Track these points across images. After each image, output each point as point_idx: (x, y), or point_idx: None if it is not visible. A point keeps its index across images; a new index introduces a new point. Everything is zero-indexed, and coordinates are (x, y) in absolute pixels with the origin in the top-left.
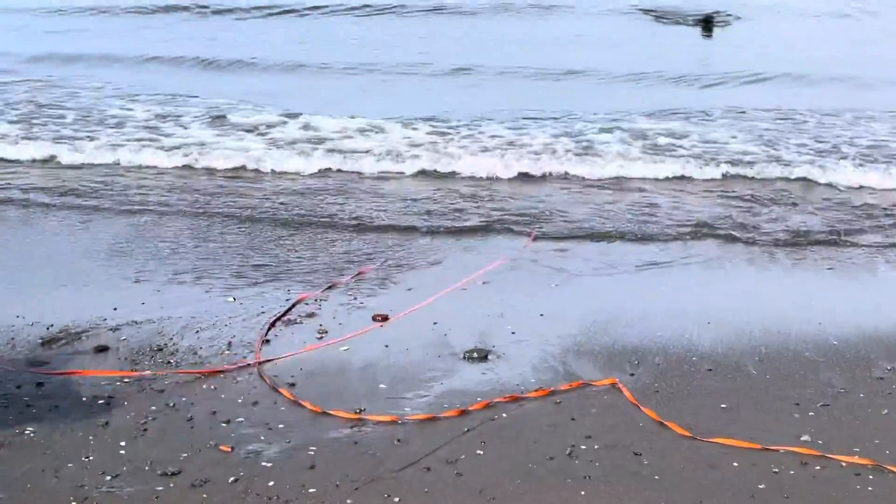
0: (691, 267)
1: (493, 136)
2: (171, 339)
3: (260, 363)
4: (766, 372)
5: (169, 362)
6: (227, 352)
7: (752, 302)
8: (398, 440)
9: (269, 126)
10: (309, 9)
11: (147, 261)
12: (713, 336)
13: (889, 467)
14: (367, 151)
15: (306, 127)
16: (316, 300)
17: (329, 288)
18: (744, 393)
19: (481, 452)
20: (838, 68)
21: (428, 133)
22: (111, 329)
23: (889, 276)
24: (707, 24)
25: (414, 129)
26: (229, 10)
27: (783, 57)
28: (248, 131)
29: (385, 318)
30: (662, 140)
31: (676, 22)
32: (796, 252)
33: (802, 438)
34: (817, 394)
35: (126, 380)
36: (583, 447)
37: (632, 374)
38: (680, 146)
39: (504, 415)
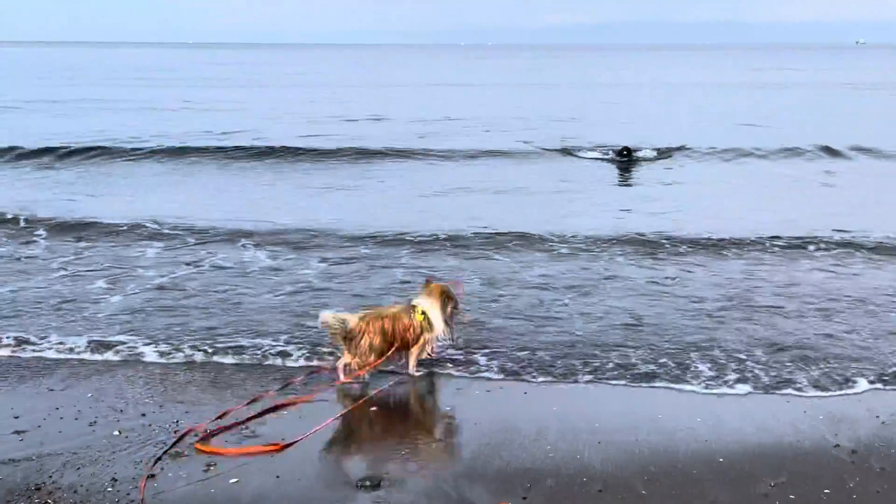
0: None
1: None
2: (51, 476)
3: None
4: (654, 492)
5: (46, 503)
6: (109, 489)
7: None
8: None
9: None
10: None
11: (26, 393)
12: (603, 456)
13: None
14: None
15: None
16: (206, 430)
17: (219, 417)
18: None
19: None
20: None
21: None
22: None
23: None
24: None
25: None
26: None
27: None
28: None
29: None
30: None
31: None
32: None
33: None
34: None
35: None
36: None
37: (524, 498)
38: None
39: None
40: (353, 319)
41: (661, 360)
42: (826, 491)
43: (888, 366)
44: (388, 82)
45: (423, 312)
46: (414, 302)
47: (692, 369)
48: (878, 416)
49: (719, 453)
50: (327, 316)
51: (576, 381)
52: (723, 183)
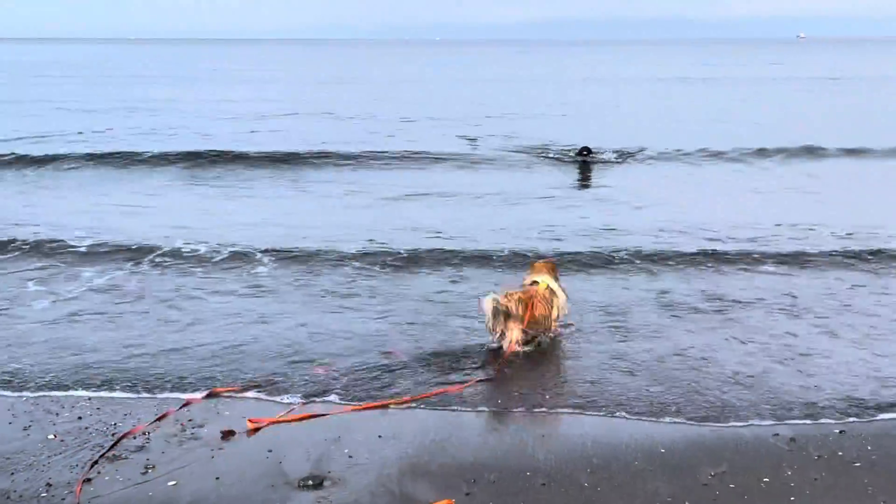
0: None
1: None
2: None
3: None
4: (597, 484)
5: None
6: (44, 494)
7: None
8: None
9: None
10: None
11: None
12: (547, 449)
13: None
14: None
15: None
16: (144, 433)
17: (159, 419)
18: None
19: None
20: None
21: None
22: None
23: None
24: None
25: None
26: None
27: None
28: None
29: (231, 433)
30: None
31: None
32: None
33: None
34: (646, 503)
35: None
36: None
37: (468, 494)
38: None
39: None
40: (504, 300)
41: None
42: (765, 479)
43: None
44: (327, 79)
45: (547, 285)
46: (532, 278)
47: None
48: (815, 402)
49: (661, 444)
50: (488, 302)
51: None
52: (682, 188)
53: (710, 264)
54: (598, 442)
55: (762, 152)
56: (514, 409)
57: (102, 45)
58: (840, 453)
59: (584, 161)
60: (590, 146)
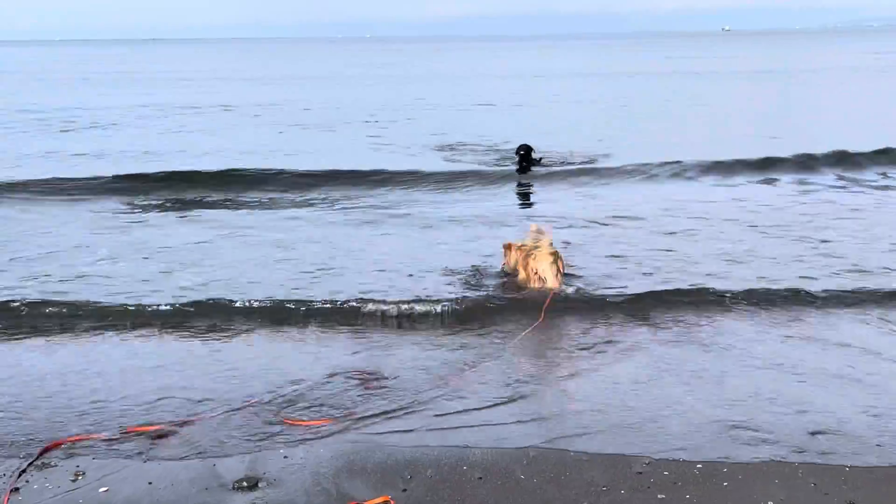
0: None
1: None
2: None
3: None
4: (533, 475)
5: None
6: None
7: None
8: None
9: None
10: None
11: None
12: (483, 444)
13: None
14: None
15: None
16: (73, 443)
17: (96, 435)
18: (513, 500)
19: None
20: None
21: None
22: None
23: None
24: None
25: None
26: None
27: None
28: None
29: (164, 435)
30: None
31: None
32: None
33: None
34: (582, 493)
35: None
36: None
37: (404, 490)
38: None
39: None
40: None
41: None
42: (699, 466)
43: None
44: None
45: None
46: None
47: None
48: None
49: (596, 437)
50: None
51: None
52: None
53: None
54: (532, 436)
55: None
56: (450, 404)
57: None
58: None
59: (522, 165)
60: (528, 144)
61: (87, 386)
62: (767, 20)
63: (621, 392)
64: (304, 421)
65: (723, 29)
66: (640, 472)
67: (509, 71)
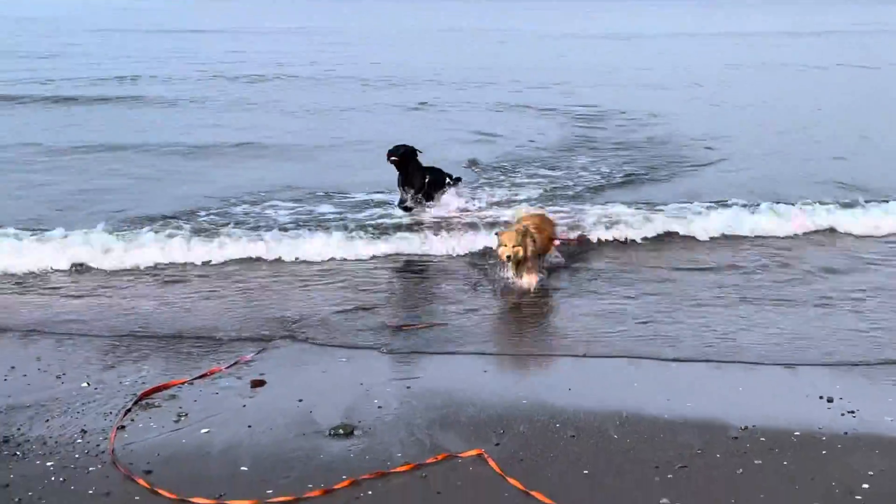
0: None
1: None
2: (19, 429)
3: None
4: (626, 436)
5: (15, 454)
6: (79, 441)
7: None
8: None
9: None
10: None
11: None
12: (575, 403)
13: None
14: None
15: None
16: (180, 386)
17: (202, 377)
18: (605, 458)
19: None
20: None
21: None
22: None
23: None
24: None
25: None
26: None
27: None
28: None
29: (262, 383)
30: None
31: None
32: None
33: (662, 501)
34: (675, 456)
35: None
36: None
37: (497, 444)
38: None
39: (370, 492)
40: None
41: None
42: (796, 433)
43: None
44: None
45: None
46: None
47: None
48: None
49: (689, 399)
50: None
51: None
52: None
53: None
54: (626, 397)
55: None
56: (545, 360)
57: None
58: None
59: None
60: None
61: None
62: None
63: (720, 355)
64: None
65: None
66: (736, 438)
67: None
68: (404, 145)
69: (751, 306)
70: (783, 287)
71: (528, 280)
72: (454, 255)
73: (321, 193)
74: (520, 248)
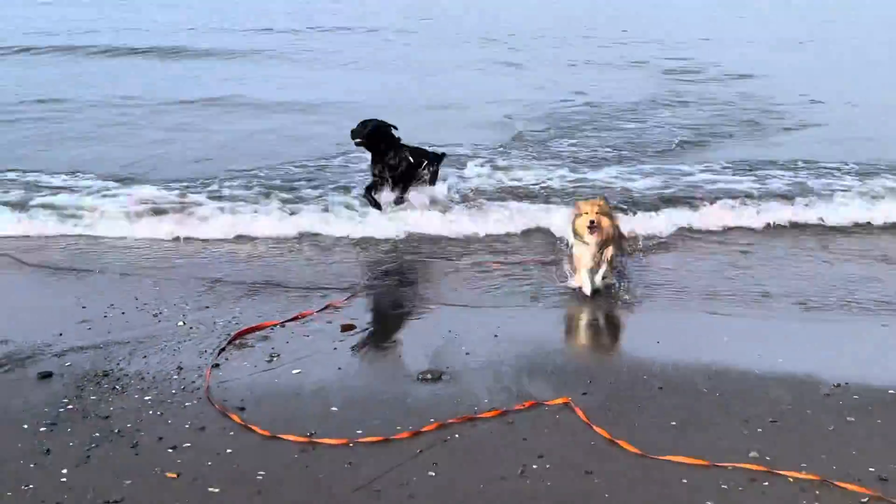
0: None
1: None
2: (119, 364)
3: None
4: (716, 389)
5: (115, 388)
6: (175, 377)
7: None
8: (349, 463)
9: None
10: None
11: (93, 286)
12: (664, 357)
13: (835, 483)
14: None
15: None
16: (273, 328)
17: (294, 319)
18: (694, 410)
19: (433, 474)
20: None
21: None
22: (56, 355)
23: None
24: None
25: None
26: None
27: None
28: None
29: (351, 327)
30: None
31: None
32: None
33: (751, 455)
34: (766, 411)
35: (70, 407)
36: (534, 467)
37: (584, 394)
38: None
39: (457, 436)
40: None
41: None
42: (891, 392)
43: None
44: None
45: None
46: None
47: None
48: None
49: (780, 355)
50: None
51: None
52: None
53: None
54: (716, 351)
55: None
56: (633, 313)
57: None
58: None
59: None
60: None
61: None
62: None
63: (808, 318)
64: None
65: None
66: (828, 395)
67: None
68: (372, 121)
69: (851, 265)
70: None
71: (601, 273)
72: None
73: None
74: (605, 218)
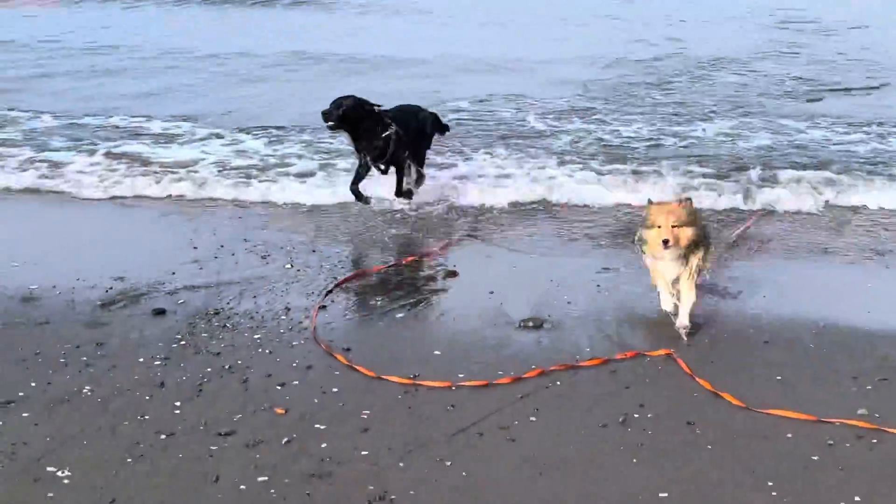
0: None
1: None
2: (229, 303)
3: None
4: (823, 345)
5: (225, 326)
6: (283, 317)
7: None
8: (451, 406)
9: None
10: None
11: (203, 228)
12: (771, 311)
13: None
14: None
15: None
16: (377, 273)
17: (396, 265)
18: (800, 365)
19: (534, 419)
20: None
21: None
22: (169, 293)
23: None
24: None
25: None
26: None
27: None
28: None
29: (454, 274)
30: None
31: None
32: None
33: (859, 412)
34: (875, 368)
35: (183, 343)
36: (636, 416)
37: (688, 346)
38: None
39: (558, 382)
40: None
41: None
42: None
43: None
44: None
45: None
46: None
47: None
48: None
49: (891, 312)
50: None
51: None
52: None
53: None
54: (823, 306)
55: None
56: (739, 266)
57: None
58: None
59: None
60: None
61: None
62: None
63: None
64: None
65: None
66: None
67: None
68: (349, 97)
69: None
70: None
71: (687, 299)
72: None
73: None
74: (687, 230)
